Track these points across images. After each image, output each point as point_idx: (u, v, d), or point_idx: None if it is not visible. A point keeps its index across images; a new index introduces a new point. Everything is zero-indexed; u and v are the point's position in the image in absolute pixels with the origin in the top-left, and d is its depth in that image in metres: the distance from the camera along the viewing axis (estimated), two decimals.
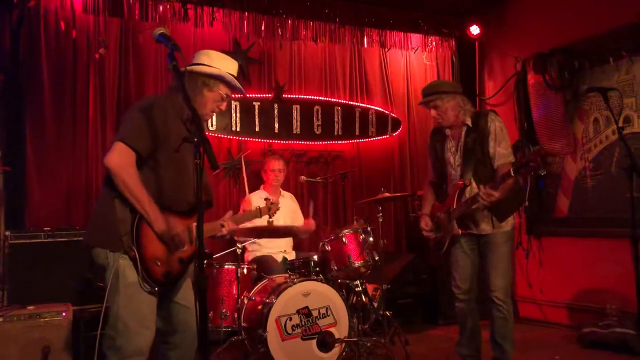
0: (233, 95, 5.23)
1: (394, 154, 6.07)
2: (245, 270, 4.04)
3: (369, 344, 4.17)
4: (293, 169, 5.47)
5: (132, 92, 4.85)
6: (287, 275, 3.98)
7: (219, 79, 2.63)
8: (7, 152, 4.32)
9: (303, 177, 5.08)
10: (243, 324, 3.85)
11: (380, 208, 4.54)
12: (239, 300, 3.89)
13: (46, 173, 4.52)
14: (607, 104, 3.18)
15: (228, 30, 5.23)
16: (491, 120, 3.43)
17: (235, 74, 2.71)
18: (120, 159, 2.38)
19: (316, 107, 5.63)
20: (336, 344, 3.71)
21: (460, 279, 3.59)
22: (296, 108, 5.54)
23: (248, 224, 4.47)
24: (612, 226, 4.65)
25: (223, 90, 2.66)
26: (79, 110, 4.69)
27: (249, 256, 4.67)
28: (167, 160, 2.51)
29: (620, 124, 4.62)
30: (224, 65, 2.66)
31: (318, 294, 3.77)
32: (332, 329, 3.75)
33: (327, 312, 3.77)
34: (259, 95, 5.40)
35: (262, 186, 4.94)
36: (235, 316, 3.89)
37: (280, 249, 4.71)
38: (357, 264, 4.10)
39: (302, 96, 5.60)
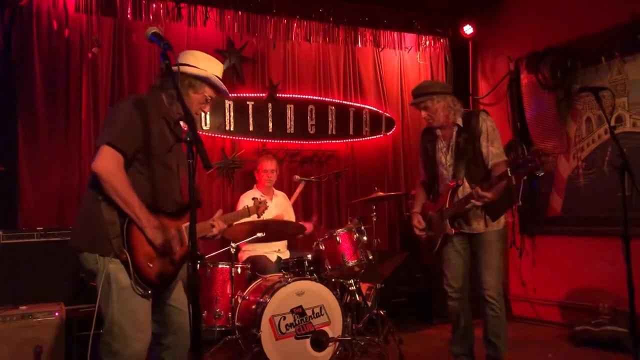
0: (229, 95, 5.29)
1: (387, 153, 6.08)
2: (239, 270, 4.04)
3: (362, 343, 4.17)
4: (287, 169, 5.47)
5: (126, 92, 4.83)
6: (281, 274, 3.97)
7: (206, 81, 2.59)
8: (0, 152, 4.30)
9: (297, 177, 5.09)
10: (237, 324, 3.84)
11: (374, 207, 4.55)
12: (233, 299, 3.89)
13: (39, 173, 4.50)
14: (599, 104, 3.19)
15: (221, 30, 5.22)
16: (482, 120, 3.45)
17: (221, 76, 2.67)
18: (108, 163, 2.32)
19: (310, 107, 5.63)
20: (330, 343, 3.72)
21: (453, 277, 3.60)
22: (290, 107, 5.54)
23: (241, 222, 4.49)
24: (605, 225, 4.68)
25: (208, 92, 2.62)
26: (72, 109, 4.67)
27: (243, 256, 4.67)
28: (152, 160, 2.47)
29: (613, 124, 4.65)
30: (209, 66, 2.61)
31: (312, 293, 3.78)
32: (326, 328, 3.75)
33: (321, 311, 3.77)
34: (252, 95, 5.39)
35: (255, 186, 4.94)
36: (229, 316, 3.89)
37: (274, 248, 4.71)
38: (351, 263, 4.10)
39: (296, 96, 5.60)
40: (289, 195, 5.15)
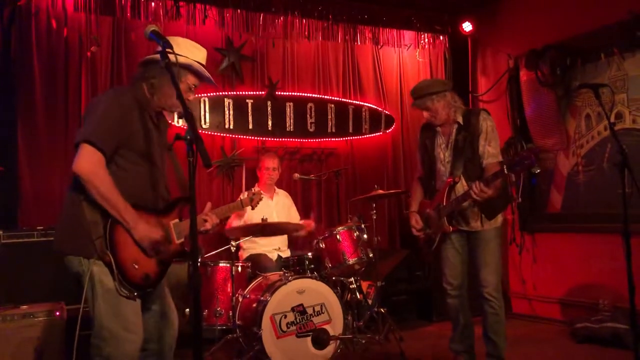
0: (226, 93, 5.30)
1: (387, 151, 6.08)
2: (239, 268, 4.04)
3: (363, 341, 4.18)
4: (287, 167, 5.47)
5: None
6: (281, 272, 3.98)
7: (188, 68, 2.46)
8: None
9: (297, 175, 5.09)
10: (238, 322, 3.85)
11: (374, 205, 4.56)
12: (234, 298, 3.89)
13: (38, 172, 4.50)
14: (598, 100, 3.18)
15: (220, 28, 5.22)
16: (483, 119, 3.45)
17: (204, 62, 2.55)
18: (89, 163, 2.22)
19: (309, 105, 5.63)
20: (331, 341, 3.72)
21: (451, 275, 3.60)
22: (289, 105, 5.53)
23: (241, 224, 4.50)
24: (605, 222, 4.68)
25: (191, 80, 2.51)
26: (72, 108, 4.66)
27: (243, 254, 4.67)
28: (135, 155, 2.39)
29: (612, 120, 4.65)
30: (191, 53, 2.48)
31: (312, 291, 3.78)
32: (326, 326, 3.75)
33: (321, 309, 3.77)
34: (252, 93, 5.39)
35: (256, 184, 4.94)
36: (230, 314, 3.90)
37: (275, 246, 4.71)
38: (351, 261, 4.10)
39: (296, 93, 5.60)
40: (294, 199, 5.14)
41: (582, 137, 5.03)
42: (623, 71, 4.69)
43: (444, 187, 3.46)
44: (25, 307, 3.59)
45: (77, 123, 4.66)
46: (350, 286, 4.33)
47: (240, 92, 5.33)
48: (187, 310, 3.79)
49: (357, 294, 4.34)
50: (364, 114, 5.90)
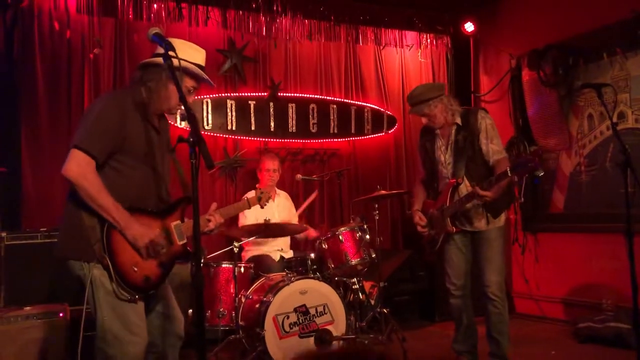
0: (229, 94, 5.31)
1: (389, 151, 6.08)
2: (242, 269, 4.04)
3: (366, 342, 4.17)
4: (289, 168, 5.48)
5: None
6: (284, 273, 3.98)
7: (185, 71, 2.42)
8: (3, 153, 4.31)
9: (299, 176, 5.09)
10: (240, 323, 3.85)
11: (377, 205, 4.55)
12: (237, 299, 3.89)
13: (42, 173, 4.51)
14: (601, 100, 3.18)
15: (223, 29, 5.23)
16: (481, 117, 3.46)
17: (203, 64, 2.53)
18: (78, 167, 2.24)
19: (312, 106, 5.63)
20: (333, 342, 3.72)
21: (455, 275, 3.61)
22: (292, 106, 5.54)
23: (246, 222, 4.50)
24: (607, 221, 4.68)
25: (189, 83, 2.48)
26: (74, 110, 4.67)
27: (246, 255, 4.68)
28: (133, 159, 2.39)
29: (615, 120, 4.65)
30: (189, 55, 2.45)
31: (315, 292, 3.78)
32: (329, 327, 3.76)
33: (324, 310, 3.78)
34: (254, 94, 5.40)
35: (257, 185, 4.94)
36: (233, 315, 3.90)
37: (278, 247, 4.72)
38: (353, 261, 4.10)
39: (298, 94, 5.60)
40: (297, 200, 5.14)
41: (585, 137, 5.02)
42: (626, 71, 4.68)
43: (447, 188, 3.47)
44: (28, 308, 3.60)
45: None
46: (353, 287, 4.33)
47: (243, 94, 5.33)
48: (190, 311, 3.79)
49: (360, 294, 4.34)
50: (366, 114, 5.90)
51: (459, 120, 3.49)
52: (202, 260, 3.91)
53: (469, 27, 6.04)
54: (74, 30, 4.69)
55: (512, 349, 3.56)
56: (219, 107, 5.21)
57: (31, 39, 4.54)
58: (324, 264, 4.20)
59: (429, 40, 6.25)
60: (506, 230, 3.68)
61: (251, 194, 4.64)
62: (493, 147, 3.43)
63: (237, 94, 5.29)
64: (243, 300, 3.91)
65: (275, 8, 5.34)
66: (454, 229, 3.47)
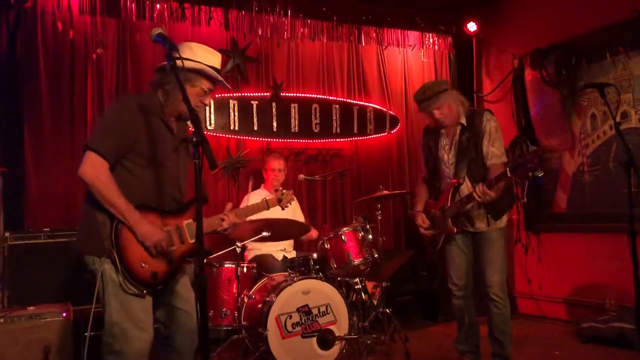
0: (231, 94, 5.31)
1: (392, 151, 6.08)
2: (245, 269, 4.04)
3: (369, 342, 4.18)
4: (292, 168, 5.47)
5: (130, 92, 4.84)
6: (287, 273, 3.98)
7: (201, 73, 2.54)
8: (5, 153, 4.32)
9: (302, 176, 5.08)
10: (243, 323, 3.86)
11: (379, 206, 4.56)
12: (239, 299, 3.90)
13: (45, 174, 4.52)
14: (604, 100, 3.18)
15: (225, 29, 5.23)
16: (487, 119, 3.45)
17: (219, 67, 2.64)
18: (92, 168, 2.36)
19: (314, 106, 5.64)
20: (336, 342, 3.72)
21: (457, 275, 3.61)
22: (294, 106, 5.54)
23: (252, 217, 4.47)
24: (610, 221, 4.67)
25: (206, 85, 2.58)
26: (77, 110, 4.68)
27: (248, 255, 4.68)
28: (146, 160, 2.47)
29: (618, 120, 4.64)
30: (206, 58, 2.57)
31: (318, 292, 3.78)
32: (332, 327, 3.75)
33: (327, 310, 3.77)
34: (256, 94, 5.40)
35: (262, 185, 4.95)
36: (236, 315, 3.90)
37: (280, 247, 4.71)
38: (356, 261, 4.10)
39: (300, 94, 5.60)
40: (300, 201, 5.13)
41: (588, 136, 5.02)
42: (629, 71, 4.67)
43: (449, 189, 3.46)
44: (32, 308, 3.60)
45: (83, 125, 4.68)
46: (356, 287, 4.33)
47: (245, 94, 5.34)
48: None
49: (363, 294, 4.34)
50: (368, 114, 5.90)
51: (463, 121, 3.48)
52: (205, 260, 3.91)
53: (472, 26, 6.04)
54: (77, 30, 4.70)
55: (515, 349, 3.56)
56: (222, 107, 5.21)
57: (34, 39, 4.55)
58: (327, 264, 4.19)
59: (431, 40, 6.25)
60: (508, 231, 3.67)
61: (254, 195, 4.67)
62: (493, 150, 3.42)
63: (239, 94, 5.30)
64: (246, 300, 3.91)
65: (277, 8, 5.34)
66: (455, 230, 3.47)
